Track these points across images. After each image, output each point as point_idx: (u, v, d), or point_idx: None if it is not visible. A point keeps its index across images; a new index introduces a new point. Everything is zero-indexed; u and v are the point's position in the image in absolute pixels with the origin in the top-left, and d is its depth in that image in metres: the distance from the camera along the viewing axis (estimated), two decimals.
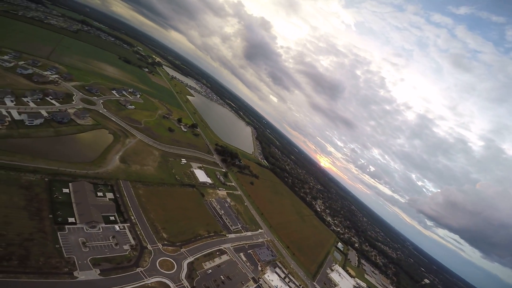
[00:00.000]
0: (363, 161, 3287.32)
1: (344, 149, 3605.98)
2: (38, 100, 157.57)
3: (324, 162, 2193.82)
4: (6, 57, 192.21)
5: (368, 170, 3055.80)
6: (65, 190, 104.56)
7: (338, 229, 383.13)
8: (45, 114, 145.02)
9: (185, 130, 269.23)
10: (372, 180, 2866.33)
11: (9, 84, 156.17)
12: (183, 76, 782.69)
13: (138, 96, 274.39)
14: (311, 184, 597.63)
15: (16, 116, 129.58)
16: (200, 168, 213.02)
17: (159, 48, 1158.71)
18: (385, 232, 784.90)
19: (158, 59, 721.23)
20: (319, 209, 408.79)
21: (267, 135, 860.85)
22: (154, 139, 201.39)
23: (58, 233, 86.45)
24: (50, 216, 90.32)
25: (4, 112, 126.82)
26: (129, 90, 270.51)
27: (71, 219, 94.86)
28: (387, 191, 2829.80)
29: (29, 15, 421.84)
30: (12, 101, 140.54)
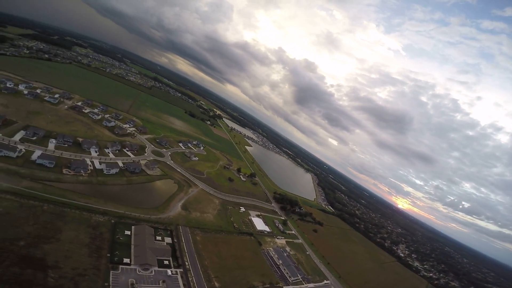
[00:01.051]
0: (452, 198, 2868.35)
1: (426, 187, 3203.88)
2: (117, 151, 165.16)
3: (402, 204, 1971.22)
4: (96, 110, 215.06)
5: (461, 206, 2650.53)
6: (127, 232, 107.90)
7: (430, 274, 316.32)
8: (121, 164, 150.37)
9: (244, 179, 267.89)
10: (469, 217, 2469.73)
11: (95, 136, 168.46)
12: (241, 127, 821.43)
13: (202, 148, 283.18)
14: (389, 228, 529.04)
15: (97, 165, 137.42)
16: (258, 216, 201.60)
17: (218, 102, 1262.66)
18: (497, 272, 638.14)
19: (218, 112, 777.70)
20: (402, 254, 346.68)
21: (330, 180, 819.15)
22: (215, 188, 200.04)
23: (111, 271, 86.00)
24: (108, 255, 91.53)
25: (88, 162, 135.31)
26: (194, 142, 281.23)
27: (126, 260, 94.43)
28: (491, 226, 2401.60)
29: (114, 72, 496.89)
30: (96, 151, 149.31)
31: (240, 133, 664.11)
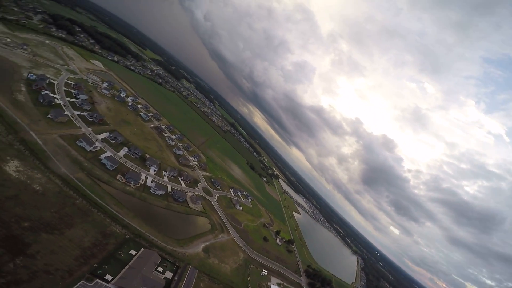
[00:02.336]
0: None
1: None
2: (172, 177, 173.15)
3: None
4: (173, 136, 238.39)
5: None
6: (132, 252, 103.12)
7: None
8: (169, 189, 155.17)
9: (280, 243, 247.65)
10: None
11: (162, 158, 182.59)
12: (295, 193, 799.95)
13: (249, 200, 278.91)
14: None
15: (148, 182, 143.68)
16: (278, 285, 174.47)
17: (280, 162, 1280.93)
18: None
19: (277, 171, 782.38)
20: None
21: (378, 267, 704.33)
22: (246, 242, 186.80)
23: (82, 281, 79.12)
24: (95, 265, 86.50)
25: (142, 177, 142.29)
26: (244, 192, 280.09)
27: (109, 277, 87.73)
28: None
29: (203, 109, 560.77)
30: (154, 171, 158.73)
31: (292, 198, 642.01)
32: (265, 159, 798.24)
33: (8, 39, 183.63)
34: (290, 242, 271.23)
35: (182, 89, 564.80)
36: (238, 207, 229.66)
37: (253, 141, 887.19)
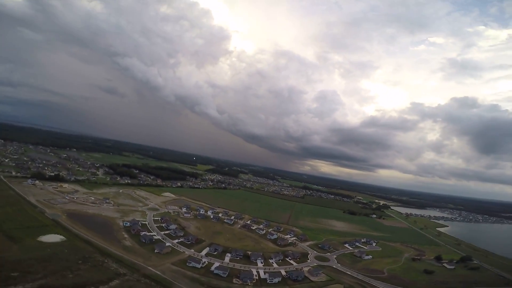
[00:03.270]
0: None
1: None
2: (280, 261, 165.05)
3: None
4: (261, 226, 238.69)
5: None
6: None
7: None
8: (283, 273, 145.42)
9: (452, 266, 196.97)
10: None
11: (261, 248, 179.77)
12: (419, 209, 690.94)
13: (374, 244, 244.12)
14: None
15: (262, 275, 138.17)
16: None
17: (377, 191, 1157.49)
18: None
19: (382, 202, 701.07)
20: None
21: None
22: (405, 287, 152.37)
23: None
24: None
25: (254, 272, 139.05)
26: (362, 240, 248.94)
27: None
28: None
29: (271, 189, 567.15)
30: (261, 262, 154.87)
31: (422, 216, 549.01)
32: (360, 198, 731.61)
33: (92, 198, 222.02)
34: (465, 259, 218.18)
35: (244, 182, 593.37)
36: (367, 257, 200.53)
37: (335, 190, 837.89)
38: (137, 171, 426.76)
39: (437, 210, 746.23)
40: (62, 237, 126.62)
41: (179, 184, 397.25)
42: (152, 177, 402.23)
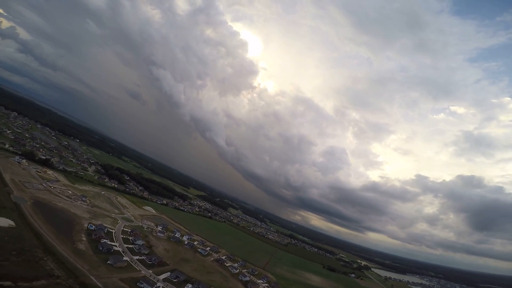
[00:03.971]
0: None
1: None
2: None
3: None
4: (236, 265, 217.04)
5: None
6: None
7: None
8: None
9: None
10: None
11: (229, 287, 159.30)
12: (399, 274, 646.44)
13: None
14: None
15: None
16: None
17: (362, 252, 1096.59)
18: None
19: (363, 262, 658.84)
20: None
21: None
22: None
23: None
24: None
25: None
26: None
27: None
28: None
29: (256, 230, 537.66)
30: None
31: (401, 280, 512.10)
32: (343, 255, 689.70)
33: (70, 191, 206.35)
34: None
35: (232, 217, 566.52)
36: None
37: (320, 244, 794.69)
38: (128, 177, 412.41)
39: (417, 276, 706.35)
40: (12, 222, 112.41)
41: (164, 201, 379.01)
42: (140, 188, 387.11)
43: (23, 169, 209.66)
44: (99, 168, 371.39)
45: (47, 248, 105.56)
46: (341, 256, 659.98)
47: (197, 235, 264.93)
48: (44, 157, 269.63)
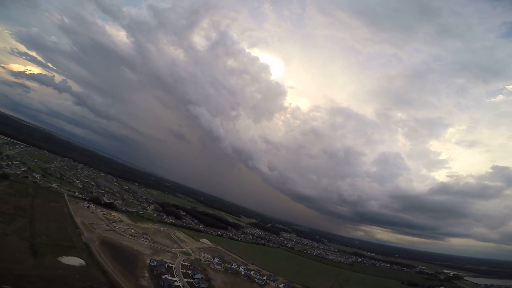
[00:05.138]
0: None
1: None
2: None
3: None
4: None
5: None
6: None
7: None
8: None
9: None
10: None
11: None
12: (504, 280, 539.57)
13: None
14: None
15: None
16: None
17: (446, 261, 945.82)
18: None
19: (452, 272, 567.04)
20: None
21: None
22: None
23: None
24: None
25: None
26: None
27: None
28: None
29: (314, 252, 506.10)
30: None
31: (507, 287, 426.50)
32: (424, 267, 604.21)
33: (132, 230, 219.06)
34: None
35: (285, 241, 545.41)
36: None
37: (391, 258, 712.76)
38: (183, 212, 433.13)
39: None
40: (82, 261, 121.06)
41: (219, 232, 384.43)
42: (195, 221, 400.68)
43: (91, 212, 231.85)
44: (157, 207, 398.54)
45: (113, 285, 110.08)
46: (421, 269, 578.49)
47: (252, 264, 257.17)
48: (109, 201, 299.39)
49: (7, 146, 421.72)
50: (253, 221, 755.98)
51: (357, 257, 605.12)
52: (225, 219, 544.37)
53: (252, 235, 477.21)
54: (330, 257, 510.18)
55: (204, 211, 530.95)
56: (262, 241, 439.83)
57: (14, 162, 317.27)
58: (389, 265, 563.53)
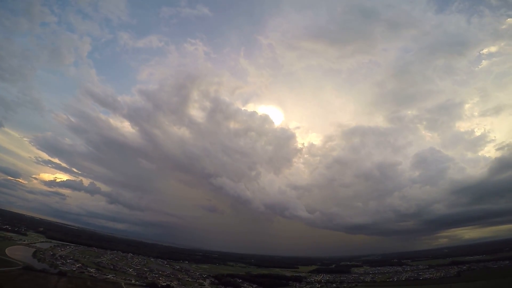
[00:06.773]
0: None
1: None
2: None
3: None
4: None
5: None
6: None
7: None
8: None
9: None
10: None
11: None
12: None
13: None
14: None
15: None
16: None
17: None
18: None
19: None
20: None
21: None
22: None
23: None
24: None
25: None
26: None
27: None
28: None
29: (403, 277, 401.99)
30: None
31: None
32: None
33: None
34: None
35: (362, 277, 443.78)
36: None
37: (503, 254, 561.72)
38: (240, 280, 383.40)
39: None
40: None
41: None
42: (255, 286, 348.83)
43: None
44: (213, 280, 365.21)
45: None
46: None
47: None
48: (165, 283, 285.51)
49: (58, 248, 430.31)
50: (313, 267, 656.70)
51: (458, 266, 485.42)
52: (282, 275, 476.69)
53: (319, 282, 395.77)
54: (425, 275, 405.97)
55: (259, 273, 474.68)
56: (334, 285, 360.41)
57: (68, 261, 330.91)
58: (508, 262, 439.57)
